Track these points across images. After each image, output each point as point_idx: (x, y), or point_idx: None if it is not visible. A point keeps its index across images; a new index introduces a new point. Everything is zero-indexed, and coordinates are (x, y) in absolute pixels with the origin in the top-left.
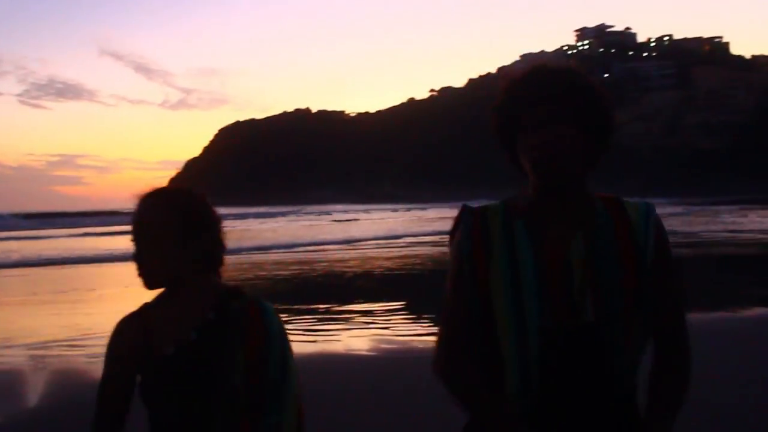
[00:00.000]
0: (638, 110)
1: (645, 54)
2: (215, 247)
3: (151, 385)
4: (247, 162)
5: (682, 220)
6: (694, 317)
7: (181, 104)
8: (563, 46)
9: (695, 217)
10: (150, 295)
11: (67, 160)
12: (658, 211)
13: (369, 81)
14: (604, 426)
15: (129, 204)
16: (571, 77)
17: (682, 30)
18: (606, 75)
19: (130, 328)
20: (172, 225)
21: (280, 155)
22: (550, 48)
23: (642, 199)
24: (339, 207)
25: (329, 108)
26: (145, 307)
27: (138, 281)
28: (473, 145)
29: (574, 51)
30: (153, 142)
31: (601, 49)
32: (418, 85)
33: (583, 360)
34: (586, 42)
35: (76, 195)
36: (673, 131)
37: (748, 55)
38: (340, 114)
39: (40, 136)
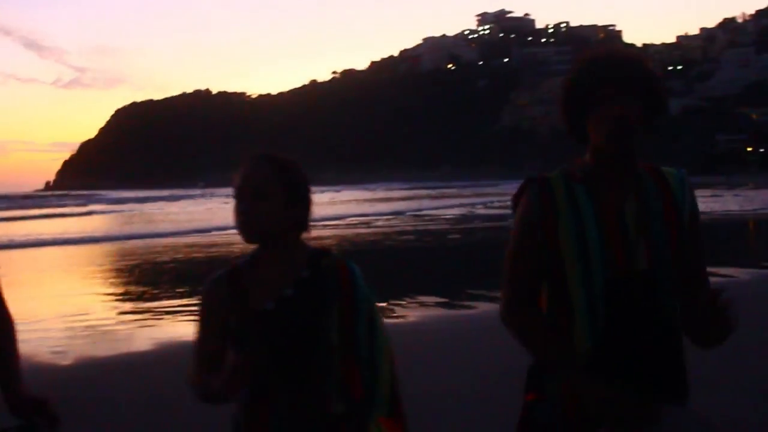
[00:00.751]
0: (537, 94)
1: (543, 40)
2: (308, 213)
3: (251, 338)
4: (145, 144)
5: None
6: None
7: (75, 83)
8: (465, 31)
9: None
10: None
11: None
12: None
13: (271, 62)
14: (658, 359)
15: (21, 188)
16: (641, 63)
17: (579, 17)
18: (506, 60)
19: (220, 286)
20: (282, 187)
21: (181, 137)
22: (451, 32)
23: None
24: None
25: (230, 89)
26: (236, 267)
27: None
28: (376, 127)
29: (475, 35)
30: (45, 123)
31: (501, 34)
32: (320, 67)
33: (640, 302)
34: (486, 27)
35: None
36: None
37: (639, 44)
38: (241, 95)
39: None
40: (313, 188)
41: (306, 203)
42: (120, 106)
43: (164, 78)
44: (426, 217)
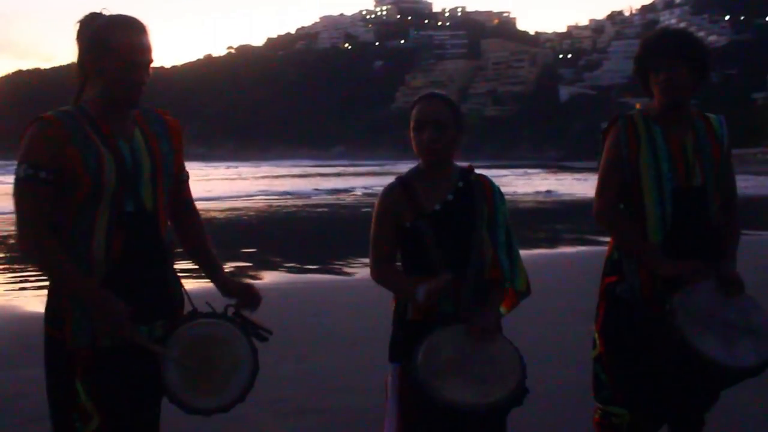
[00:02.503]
0: (432, 77)
1: (439, 23)
2: (462, 139)
3: (424, 231)
4: (31, 115)
5: None
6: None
7: None
8: (362, 11)
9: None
10: None
11: None
12: None
13: (164, 35)
14: (706, 247)
15: None
16: (689, 38)
17: (474, 3)
18: (402, 41)
19: (393, 192)
20: (455, 120)
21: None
22: (349, 12)
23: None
24: None
25: None
26: (404, 179)
27: None
28: (272, 103)
29: (373, 16)
30: None
31: (398, 16)
32: (215, 41)
33: (695, 208)
34: (384, 8)
35: None
36: (463, 98)
37: (532, 31)
38: None
39: None
40: (211, 164)
41: (463, 132)
42: (2, 74)
43: (52, 46)
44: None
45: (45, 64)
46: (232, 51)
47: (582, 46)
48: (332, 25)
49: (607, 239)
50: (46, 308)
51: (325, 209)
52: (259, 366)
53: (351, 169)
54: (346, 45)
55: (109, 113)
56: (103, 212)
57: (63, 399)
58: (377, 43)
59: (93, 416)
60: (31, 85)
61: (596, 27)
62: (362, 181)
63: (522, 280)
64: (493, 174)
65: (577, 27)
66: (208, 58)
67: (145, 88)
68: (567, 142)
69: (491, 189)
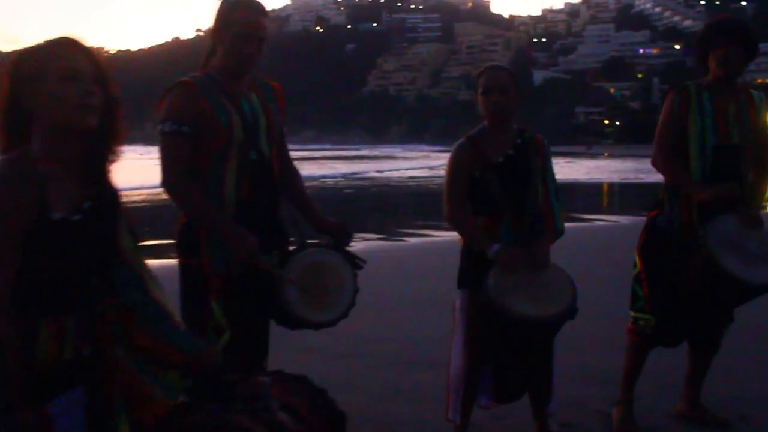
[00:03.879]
0: (405, 60)
1: (412, 6)
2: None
3: (490, 180)
4: None
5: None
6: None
7: None
8: None
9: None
10: None
11: None
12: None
13: (131, 17)
14: (740, 192)
15: None
16: (742, 24)
17: None
18: (374, 24)
19: (464, 148)
20: (514, 85)
21: None
22: None
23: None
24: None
25: (87, 44)
26: (473, 137)
27: None
28: None
29: None
30: None
31: None
32: (184, 24)
33: (732, 161)
34: None
35: None
36: (436, 82)
37: (506, 15)
38: (100, 50)
39: None
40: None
41: (520, 96)
42: None
43: (13, 28)
44: None
45: (9, 47)
46: (201, 33)
47: (557, 30)
48: (304, 7)
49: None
50: (180, 241)
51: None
52: (358, 288)
53: (324, 153)
54: (318, 28)
55: (230, 78)
56: (232, 160)
57: (199, 316)
58: (349, 26)
59: (225, 330)
60: None
61: (571, 11)
62: (343, 167)
63: (562, 222)
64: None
65: (551, 11)
66: (176, 41)
67: (257, 60)
68: (541, 126)
69: (543, 145)
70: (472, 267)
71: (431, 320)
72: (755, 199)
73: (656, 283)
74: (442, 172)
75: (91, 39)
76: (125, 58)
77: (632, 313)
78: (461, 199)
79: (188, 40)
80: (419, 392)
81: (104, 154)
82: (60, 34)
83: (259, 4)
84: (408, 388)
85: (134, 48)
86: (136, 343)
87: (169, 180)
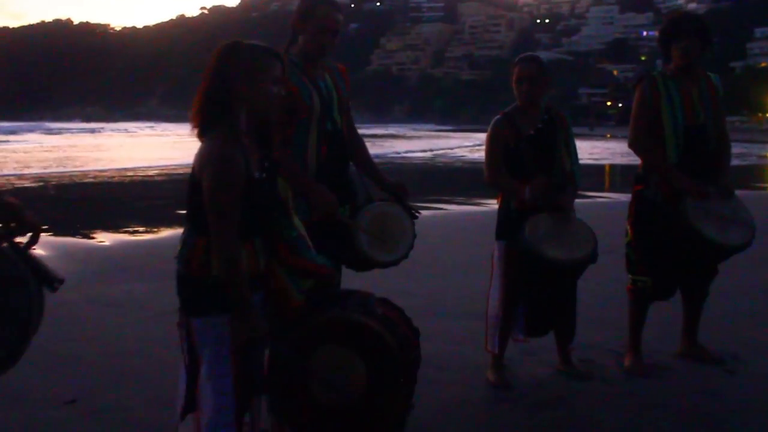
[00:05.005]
0: (408, 40)
1: None
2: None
3: (523, 149)
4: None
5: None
6: None
7: None
8: None
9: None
10: None
11: None
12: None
13: None
14: (707, 165)
15: None
16: (698, 19)
17: None
18: (378, 4)
19: (501, 123)
20: (543, 75)
21: (38, 68)
22: None
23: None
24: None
25: (93, 20)
26: (508, 113)
27: None
28: None
29: None
30: None
31: None
32: (188, 1)
33: (701, 139)
34: None
35: None
36: (439, 62)
37: None
38: (105, 27)
39: None
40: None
41: (549, 82)
42: None
43: (21, 4)
44: None
45: (14, 23)
46: (206, 11)
47: (560, 11)
48: None
49: None
50: None
51: None
52: (416, 233)
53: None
54: None
55: (309, 62)
56: (313, 130)
57: None
58: (352, 5)
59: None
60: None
61: None
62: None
63: (580, 180)
64: (470, 137)
65: None
66: (181, 18)
67: (332, 48)
68: (547, 102)
69: (566, 120)
70: (508, 222)
71: (455, 280)
72: (723, 168)
73: (646, 248)
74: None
75: (96, 16)
76: (131, 34)
77: (630, 276)
78: (498, 164)
79: (193, 17)
80: (450, 336)
81: (271, 131)
82: (269, 45)
83: (336, 2)
84: (437, 333)
85: (139, 25)
86: (282, 256)
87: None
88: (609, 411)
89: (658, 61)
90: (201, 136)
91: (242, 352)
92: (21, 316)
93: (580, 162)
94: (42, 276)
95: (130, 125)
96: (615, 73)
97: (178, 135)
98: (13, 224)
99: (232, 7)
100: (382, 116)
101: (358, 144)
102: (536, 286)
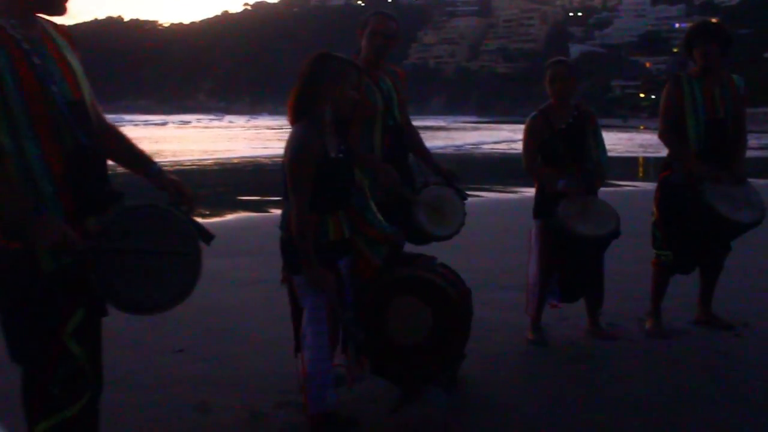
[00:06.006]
0: (444, 34)
1: None
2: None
3: (556, 141)
4: None
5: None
6: None
7: None
8: None
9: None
10: None
11: None
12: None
13: None
14: (725, 154)
15: None
16: (718, 25)
17: None
18: None
19: (536, 119)
20: (573, 75)
21: (92, 64)
22: None
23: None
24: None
25: (142, 17)
26: (542, 110)
27: None
28: (286, 59)
29: None
30: None
31: None
32: None
33: (720, 132)
34: None
35: None
36: (474, 55)
37: None
38: (154, 24)
39: None
40: (229, 116)
41: (578, 81)
42: None
43: (76, 2)
44: None
45: (69, 21)
46: (249, 7)
47: (593, 4)
48: None
49: None
50: None
51: None
52: (467, 212)
53: None
54: (360, 2)
55: (371, 66)
56: (377, 125)
57: None
58: (391, 0)
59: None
60: (110, 34)
61: None
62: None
63: (607, 169)
64: (504, 128)
65: None
66: (225, 15)
67: (388, 52)
68: (576, 99)
69: (594, 116)
70: (543, 203)
71: (500, 256)
72: (738, 161)
73: (669, 226)
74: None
75: (146, 13)
76: (179, 30)
77: (655, 251)
78: (534, 154)
79: (236, 13)
80: (495, 303)
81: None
82: (350, 57)
83: (390, 13)
84: (485, 301)
85: (186, 21)
86: (360, 228)
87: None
88: (631, 365)
89: None
90: (293, 123)
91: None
92: (192, 264)
93: (615, 154)
94: (202, 233)
95: (183, 117)
96: (648, 65)
97: (225, 128)
98: (176, 195)
99: (274, 3)
100: (419, 108)
101: (415, 136)
102: (568, 258)
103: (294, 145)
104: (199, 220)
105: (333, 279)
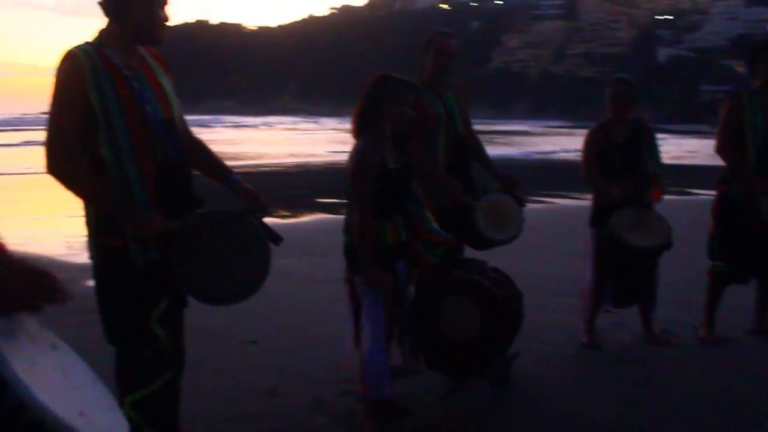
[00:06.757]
0: (528, 37)
1: None
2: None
3: (613, 154)
4: (196, 66)
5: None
6: None
7: (76, 11)
8: None
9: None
10: None
11: None
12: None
13: None
14: None
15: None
16: None
17: None
18: (500, 2)
19: (595, 131)
20: (632, 93)
21: (180, 66)
22: None
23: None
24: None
25: (229, 20)
26: (602, 124)
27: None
28: (371, 63)
29: None
30: (46, 49)
31: None
32: (318, 1)
33: None
34: None
35: None
36: (559, 59)
37: None
38: (240, 27)
39: None
40: (313, 118)
41: (636, 98)
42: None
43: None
44: None
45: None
46: (334, 11)
47: (682, 7)
48: None
49: None
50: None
51: None
52: (525, 218)
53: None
54: (445, 5)
55: (434, 81)
56: (441, 136)
57: None
58: (475, 4)
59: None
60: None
61: None
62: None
63: (663, 184)
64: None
65: None
66: (311, 18)
67: (450, 68)
68: (664, 105)
69: (651, 129)
70: (599, 213)
71: (557, 263)
72: None
73: (725, 239)
74: None
75: (232, 16)
76: (265, 33)
77: (710, 261)
78: (592, 166)
79: (322, 17)
80: (552, 308)
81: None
82: (409, 79)
83: (450, 31)
84: (543, 306)
85: (273, 24)
86: (416, 232)
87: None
88: (681, 370)
89: None
90: (356, 138)
91: (387, 299)
92: (262, 263)
93: (698, 161)
94: (271, 236)
95: (269, 119)
96: (738, 69)
97: (310, 130)
98: (251, 201)
99: (360, 7)
100: (502, 113)
101: (477, 144)
102: (621, 266)
103: (356, 159)
104: (279, 221)
105: (390, 279)
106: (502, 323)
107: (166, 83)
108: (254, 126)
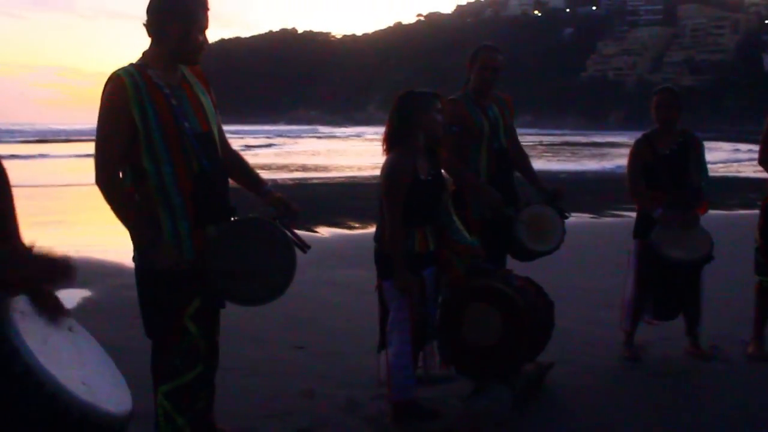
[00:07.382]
0: (625, 45)
1: None
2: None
3: (659, 166)
4: (232, 81)
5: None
6: None
7: None
8: None
9: None
10: None
11: (43, 72)
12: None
13: (356, 3)
14: None
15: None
16: None
17: None
18: (594, 8)
19: (640, 143)
20: (678, 102)
21: (266, 75)
22: None
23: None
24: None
25: (315, 29)
26: (647, 135)
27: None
28: (459, 71)
29: None
30: (133, 57)
31: None
32: (405, 9)
33: None
34: None
35: (53, 108)
36: (657, 67)
37: None
38: (326, 35)
39: (14, 45)
40: None
41: (682, 108)
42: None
43: (252, 15)
44: None
45: (245, 33)
46: (422, 18)
47: None
48: None
49: None
50: (455, 199)
51: None
52: (566, 230)
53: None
54: (536, 12)
55: (479, 95)
56: (483, 148)
57: None
58: (568, 10)
59: (480, 255)
60: (231, 53)
61: None
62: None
63: (709, 194)
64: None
65: None
66: (398, 26)
67: (494, 83)
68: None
69: (699, 141)
70: (643, 224)
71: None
72: None
73: None
74: None
75: (319, 25)
76: (351, 42)
77: (758, 276)
78: (638, 178)
79: (409, 24)
80: (592, 320)
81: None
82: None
83: (494, 45)
84: (582, 318)
85: (359, 33)
86: (446, 241)
87: (448, 162)
88: (726, 386)
89: None
90: (387, 152)
91: (415, 304)
92: (287, 268)
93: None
94: (299, 243)
95: (356, 129)
96: None
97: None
98: (281, 210)
99: (448, 14)
100: (597, 123)
101: (522, 157)
102: (663, 278)
103: (387, 171)
104: (346, 232)
105: (418, 285)
106: (523, 330)
107: (206, 99)
108: (344, 137)
